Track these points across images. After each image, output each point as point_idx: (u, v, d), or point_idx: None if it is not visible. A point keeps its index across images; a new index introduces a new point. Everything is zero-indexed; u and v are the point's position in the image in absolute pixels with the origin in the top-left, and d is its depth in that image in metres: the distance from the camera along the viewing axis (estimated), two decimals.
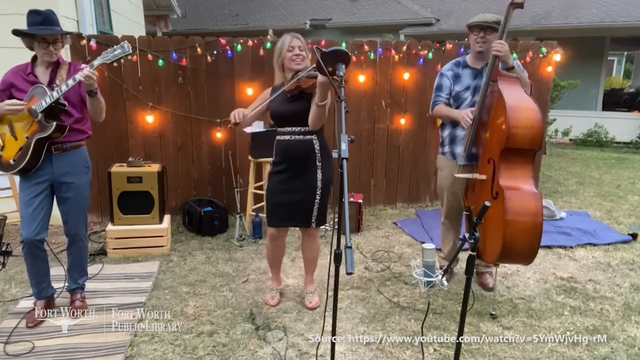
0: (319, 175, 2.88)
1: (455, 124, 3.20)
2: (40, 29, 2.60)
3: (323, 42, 4.80)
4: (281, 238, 3.13)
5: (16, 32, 2.64)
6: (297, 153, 2.85)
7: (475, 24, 3.09)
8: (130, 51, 2.65)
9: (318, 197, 2.88)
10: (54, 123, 2.64)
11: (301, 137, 2.84)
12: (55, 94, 2.58)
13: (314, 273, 3.21)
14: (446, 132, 3.31)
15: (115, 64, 4.29)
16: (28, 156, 2.66)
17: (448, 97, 3.24)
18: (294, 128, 2.84)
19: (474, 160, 3.14)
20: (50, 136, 2.67)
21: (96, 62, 2.61)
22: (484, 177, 2.97)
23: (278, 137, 2.92)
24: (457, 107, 3.20)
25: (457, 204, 3.32)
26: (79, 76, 2.55)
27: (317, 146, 2.86)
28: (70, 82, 2.59)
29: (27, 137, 2.68)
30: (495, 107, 2.91)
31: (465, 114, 3.01)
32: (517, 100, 2.82)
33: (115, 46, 2.63)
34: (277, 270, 3.26)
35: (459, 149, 3.20)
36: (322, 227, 3.04)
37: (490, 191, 2.88)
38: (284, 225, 3.04)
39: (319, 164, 2.87)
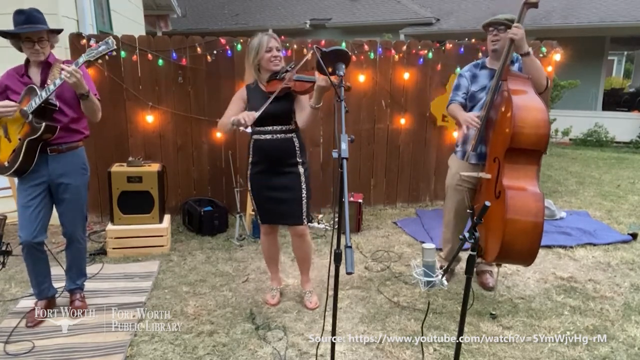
0: (301, 170, 2.90)
1: None
2: (23, 28, 2.58)
3: (323, 41, 4.80)
4: (274, 233, 3.15)
5: (2, 34, 2.63)
6: (278, 152, 2.85)
7: (488, 23, 3.12)
8: (115, 47, 2.59)
9: (304, 191, 2.90)
10: (43, 124, 2.60)
11: (283, 135, 2.84)
12: (44, 94, 2.55)
13: (309, 272, 3.21)
14: (461, 132, 3.30)
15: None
16: (20, 158, 2.64)
17: (465, 96, 3.25)
18: (275, 127, 2.83)
19: (483, 160, 3.13)
20: (41, 137, 2.63)
21: (81, 60, 2.57)
22: (488, 176, 2.96)
23: (256, 137, 2.88)
24: (472, 107, 3.21)
25: (461, 203, 3.32)
26: (63, 75, 2.51)
27: (297, 143, 2.88)
28: (58, 81, 2.55)
29: (19, 139, 2.66)
30: (502, 106, 2.90)
31: (470, 118, 3.01)
32: (525, 100, 2.80)
33: (99, 42, 2.59)
34: (276, 269, 3.27)
35: (469, 147, 3.20)
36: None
37: (494, 190, 2.88)
38: (276, 224, 3.08)
39: (299, 160, 2.90)
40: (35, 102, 2.57)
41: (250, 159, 2.94)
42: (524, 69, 3.00)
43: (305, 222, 2.96)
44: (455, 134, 3.44)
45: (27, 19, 2.59)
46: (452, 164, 3.41)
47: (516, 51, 2.91)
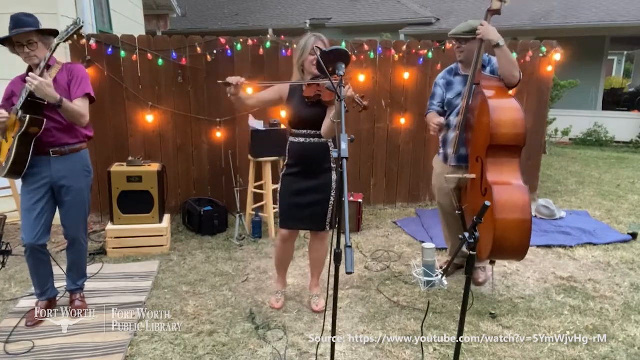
0: (333, 177, 2.87)
1: (447, 127, 3.32)
2: (12, 32, 2.56)
3: None
4: (292, 240, 3.07)
5: None
6: (312, 155, 2.83)
7: (452, 37, 3.21)
8: (82, 25, 2.55)
9: (332, 198, 2.88)
10: (28, 116, 2.53)
11: (317, 139, 2.81)
12: (28, 86, 2.49)
13: (320, 276, 3.18)
14: (441, 135, 3.42)
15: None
16: (12, 156, 2.60)
17: (441, 105, 3.35)
18: (309, 131, 2.81)
19: (464, 162, 3.23)
20: (27, 131, 2.56)
21: (53, 45, 2.55)
22: (473, 176, 3.05)
23: (292, 140, 2.88)
24: (450, 114, 3.31)
25: (448, 202, 3.38)
26: (27, 84, 2.47)
27: (332, 148, 2.85)
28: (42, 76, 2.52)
29: (13, 137, 2.64)
30: (479, 109, 3.00)
31: (431, 124, 3.20)
32: (500, 101, 2.92)
33: (68, 25, 2.55)
34: (284, 273, 3.22)
35: (450, 150, 3.29)
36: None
37: (480, 189, 2.92)
38: (297, 228, 3.00)
39: (333, 165, 2.87)
40: (22, 98, 2.56)
41: (286, 161, 2.93)
42: (497, 61, 3.05)
43: (328, 229, 2.94)
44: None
45: (15, 24, 2.57)
46: (436, 166, 3.52)
47: (488, 47, 3.00)
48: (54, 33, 2.65)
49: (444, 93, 3.32)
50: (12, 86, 2.74)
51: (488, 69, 3.19)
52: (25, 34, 2.56)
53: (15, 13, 2.60)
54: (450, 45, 5.12)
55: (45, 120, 2.63)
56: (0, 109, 2.63)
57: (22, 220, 2.79)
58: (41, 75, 2.54)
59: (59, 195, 2.80)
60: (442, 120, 3.19)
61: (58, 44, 2.56)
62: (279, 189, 2.98)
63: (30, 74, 2.49)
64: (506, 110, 2.88)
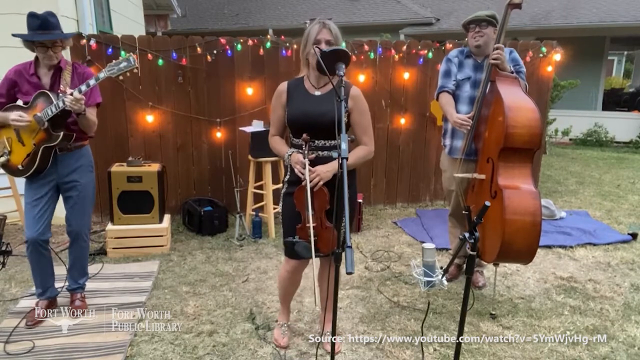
0: (348, 194, 2.34)
1: None
2: (37, 34, 2.57)
3: None
4: (302, 270, 2.61)
5: (17, 36, 2.63)
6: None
7: (470, 21, 3.16)
8: (137, 65, 2.61)
9: (345, 219, 2.12)
10: (61, 133, 2.65)
11: (326, 153, 2.37)
12: (60, 104, 2.56)
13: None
14: (449, 124, 3.29)
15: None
16: (37, 163, 2.69)
17: (454, 83, 3.24)
18: (319, 142, 2.36)
19: (473, 156, 3.14)
20: (58, 145, 2.68)
21: (102, 75, 2.58)
22: (483, 176, 2.98)
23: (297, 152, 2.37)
24: (457, 101, 3.22)
25: (457, 203, 3.33)
26: (67, 102, 2.51)
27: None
28: (83, 87, 2.58)
29: (34, 144, 2.68)
30: (493, 107, 2.92)
31: (461, 120, 3.03)
32: (516, 100, 2.83)
33: (121, 58, 2.59)
34: (289, 304, 2.81)
35: (460, 143, 3.21)
36: None
37: (489, 190, 2.88)
38: (308, 257, 2.39)
39: (348, 181, 2.32)
40: (51, 111, 2.59)
41: (287, 177, 2.44)
42: None
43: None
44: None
45: (42, 24, 2.57)
46: (445, 167, 3.43)
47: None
48: (73, 35, 2.79)
49: (457, 72, 3.24)
50: (15, 77, 2.73)
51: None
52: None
53: (41, 13, 2.59)
54: (450, 45, 5.14)
55: (74, 135, 2.73)
56: (21, 112, 2.64)
57: (25, 215, 2.82)
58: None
59: (65, 191, 2.84)
60: (466, 116, 3.04)
61: (105, 77, 2.60)
62: (281, 211, 2.49)
63: (70, 97, 2.51)
64: (522, 110, 2.78)
